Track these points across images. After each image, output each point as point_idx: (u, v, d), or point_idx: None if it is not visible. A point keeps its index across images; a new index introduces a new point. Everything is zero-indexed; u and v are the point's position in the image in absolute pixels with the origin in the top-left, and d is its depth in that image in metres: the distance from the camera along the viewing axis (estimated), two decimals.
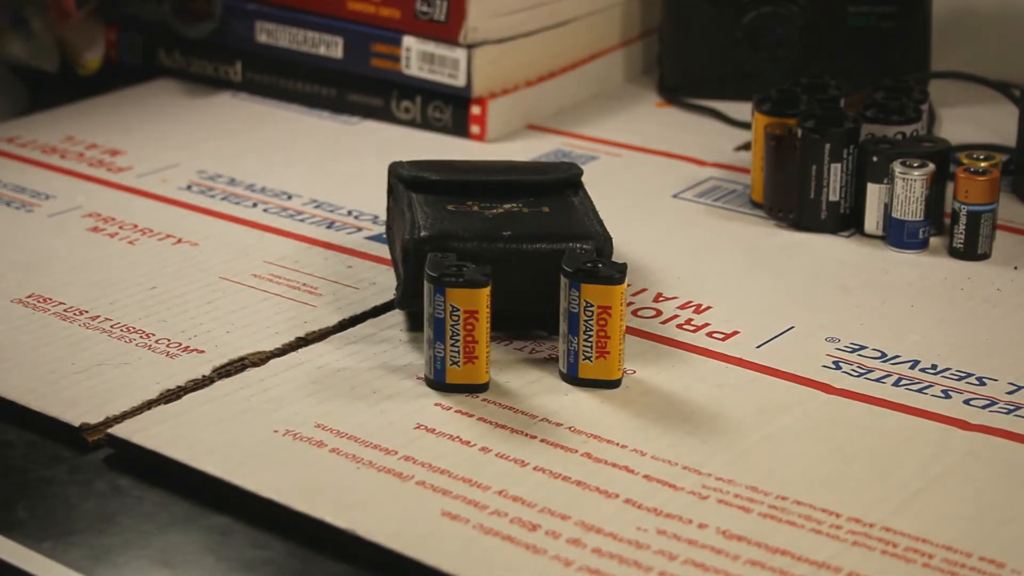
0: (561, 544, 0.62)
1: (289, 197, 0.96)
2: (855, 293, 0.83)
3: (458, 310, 0.71)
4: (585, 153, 1.03)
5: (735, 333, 0.79)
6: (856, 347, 0.77)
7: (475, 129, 1.05)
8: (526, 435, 0.70)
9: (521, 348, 0.77)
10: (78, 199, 0.95)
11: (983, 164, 0.87)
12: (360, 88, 1.09)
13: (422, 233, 0.76)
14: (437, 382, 0.73)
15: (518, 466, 0.67)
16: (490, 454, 0.68)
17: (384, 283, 0.84)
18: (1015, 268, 0.86)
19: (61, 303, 0.81)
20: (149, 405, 0.72)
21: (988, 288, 0.84)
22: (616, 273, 0.72)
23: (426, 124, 1.07)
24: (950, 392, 0.73)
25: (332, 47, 1.09)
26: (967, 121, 1.06)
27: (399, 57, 1.06)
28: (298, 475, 0.66)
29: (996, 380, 0.74)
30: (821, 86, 0.94)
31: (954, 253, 0.87)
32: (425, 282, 0.72)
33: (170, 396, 0.73)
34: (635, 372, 0.75)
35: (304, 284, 0.84)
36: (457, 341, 0.72)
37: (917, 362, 0.76)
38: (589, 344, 0.72)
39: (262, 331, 0.78)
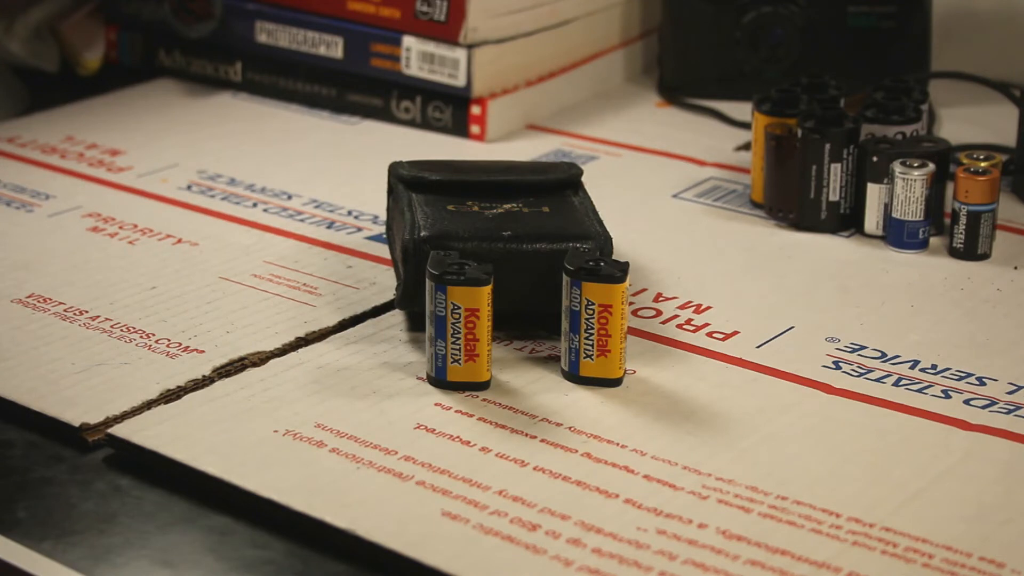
0: (561, 544, 0.62)
1: (289, 197, 0.96)
2: (855, 293, 0.83)
3: (459, 308, 0.71)
4: (585, 153, 1.03)
5: (735, 333, 0.79)
6: (856, 347, 0.77)
7: (475, 129, 1.05)
8: (526, 435, 0.70)
9: (522, 347, 0.77)
10: (78, 199, 0.95)
11: (983, 164, 0.87)
12: (360, 88, 1.09)
13: (422, 233, 0.76)
14: (438, 380, 0.73)
15: (518, 466, 0.67)
16: (490, 454, 0.68)
17: (384, 283, 0.84)
18: (1015, 268, 0.86)
19: (61, 303, 0.81)
20: (149, 405, 0.72)
21: (988, 288, 0.84)
22: (617, 272, 0.72)
23: (426, 124, 1.06)
24: (950, 392, 0.73)
25: (332, 47, 1.09)
26: (967, 121, 1.06)
27: (399, 57, 1.06)
28: (298, 475, 0.66)
29: (996, 380, 0.74)
30: (821, 86, 0.94)
31: (954, 253, 0.87)
32: (427, 280, 0.72)
33: (170, 396, 0.73)
34: (635, 372, 0.75)
35: (304, 284, 0.84)
36: (458, 339, 0.72)
37: (917, 362, 0.76)
38: (590, 342, 0.72)
39: (262, 331, 0.78)
